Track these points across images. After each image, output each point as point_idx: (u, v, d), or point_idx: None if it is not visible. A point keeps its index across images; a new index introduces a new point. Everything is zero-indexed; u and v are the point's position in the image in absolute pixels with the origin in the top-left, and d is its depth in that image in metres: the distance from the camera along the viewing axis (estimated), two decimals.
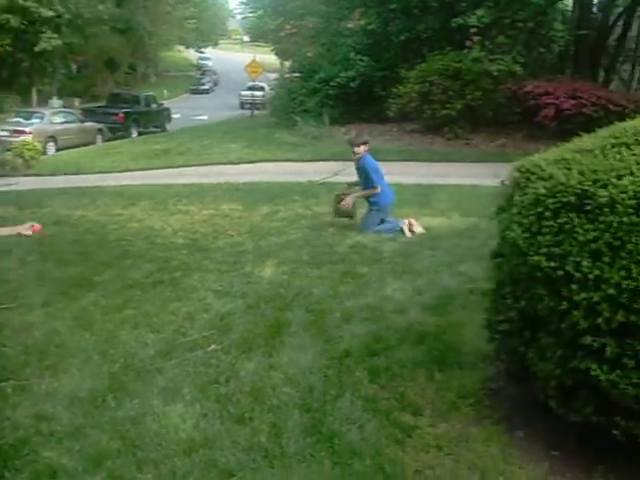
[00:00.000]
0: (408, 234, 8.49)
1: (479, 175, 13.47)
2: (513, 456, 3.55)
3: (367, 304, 5.85)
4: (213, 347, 4.98)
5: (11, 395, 4.45)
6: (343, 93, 25.57)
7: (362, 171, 8.85)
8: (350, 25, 30.02)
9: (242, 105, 47.93)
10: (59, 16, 44.49)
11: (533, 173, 3.50)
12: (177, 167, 19.76)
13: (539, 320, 3.39)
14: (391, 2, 25.29)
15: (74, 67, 57.99)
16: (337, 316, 5.56)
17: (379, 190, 8.75)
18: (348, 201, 8.97)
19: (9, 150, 21.54)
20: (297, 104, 26.72)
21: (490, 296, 4.04)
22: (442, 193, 12.33)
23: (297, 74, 29.59)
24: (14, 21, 42.73)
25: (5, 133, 24.34)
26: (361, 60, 25.35)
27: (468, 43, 22.53)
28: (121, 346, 5.12)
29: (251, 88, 42.16)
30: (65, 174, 19.36)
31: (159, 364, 4.76)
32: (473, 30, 21.89)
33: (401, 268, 6.95)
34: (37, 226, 5.87)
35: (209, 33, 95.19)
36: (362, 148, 8.84)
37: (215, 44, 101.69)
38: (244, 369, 4.61)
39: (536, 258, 3.23)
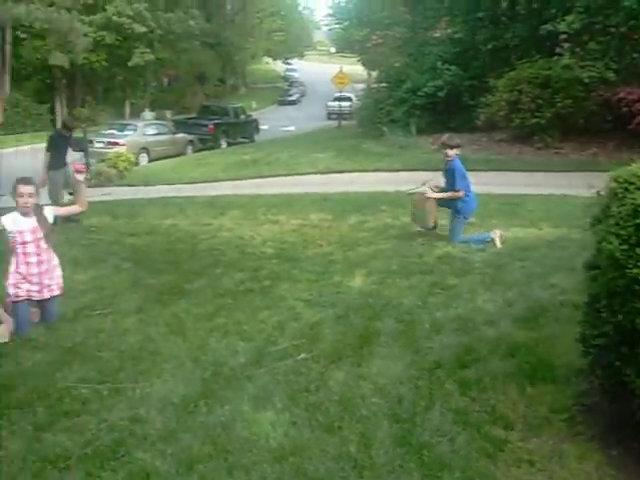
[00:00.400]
0: (499, 245, 8.35)
1: (569, 185, 13.18)
2: (607, 475, 3.46)
3: (457, 315, 5.80)
4: (303, 356, 5.02)
5: (107, 398, 4.60)
6: (430, 103, 25.42)
7: (450, 174, 8.71)
8: (437, 34, 29.82)
9: (329, 116, 48.26)
10: (151, 32, 45.97)
11: (631, 183, 3.41)
12: (265, 177, 19.99)
13: (637, 335, 3.30)
14: (478, 10, 25.05)
15: (165, 80, 59.69)
16: (427, 327, 5.53)
17: (462, 195, 8.60)
18: (429, 196, 8.79)
19: (103, 161, 22.25)
20: (384, 114, 26.72)
21: (584, 309, 3.95)
22: (532, 203, 12.09)
23: (384, 84, 29.59)
24: (109, 38, 44.62)
25: (100, 144, 25.18)
26: (448, 69, 25.17)
27: (558, 50, 22.01)
28: (212, 353, 5.22)
29: (338, 99, 42.34)
30: (157, 184, 19.84)
31: (249, 372, 4.82)
32: (563, 37, 21.38)
33: (491, 279, 6.86)
34: (79, 165, 6.05)
35: (296, 45, 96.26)
36: (454, 151, 8.73)
37: (301, 56, 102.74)
38: (333, 378, 4.63)
39: (635, 271, 3.14)
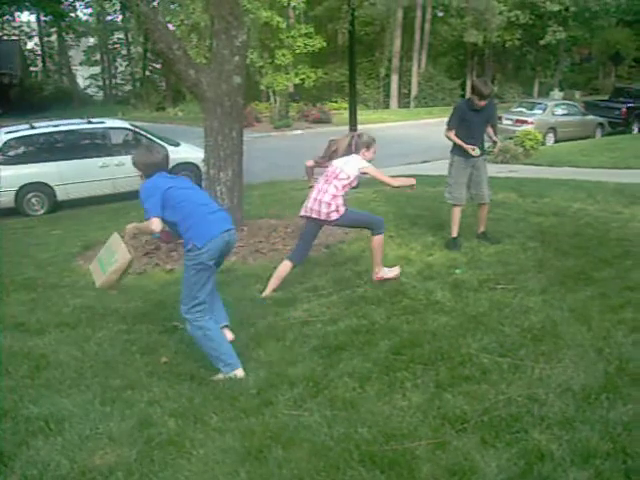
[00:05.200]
0: None
1: None
2: None
3: None
4: None
5: (506, 372, 4.70)
6: None
7: None
8: None
9: None
10: (566, 9, 45.18)
11: None
12: None
13: None
14: None
15: (575, 59, 58.24)
16: None
17: None
18: None
19: (511, 138, 22.38)
20: None
21: None
22: None
23: None
24: (523, 17, 44.89)
25: (508, 122, 25.43)
26: None
27: None
28: (617, 348, 5.01)
29: None
30: (563, 166, 19.41)
31: None
32: None
33: None
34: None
35: None
36: None
37: None
38: None
39: None
